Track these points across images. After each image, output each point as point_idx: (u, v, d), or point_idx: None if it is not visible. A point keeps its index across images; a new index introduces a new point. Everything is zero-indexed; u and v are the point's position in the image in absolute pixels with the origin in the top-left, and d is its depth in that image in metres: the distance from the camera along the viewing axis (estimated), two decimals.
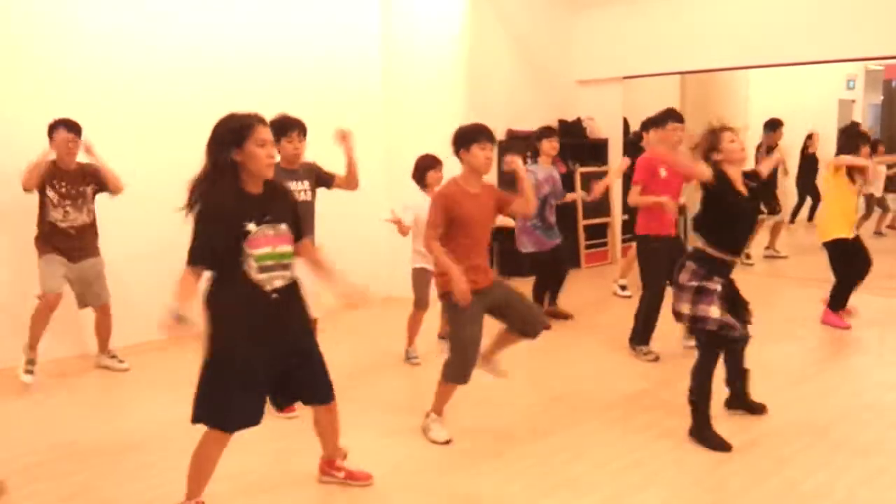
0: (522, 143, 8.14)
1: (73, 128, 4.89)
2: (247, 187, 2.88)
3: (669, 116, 5.34)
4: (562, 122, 8.93)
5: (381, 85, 7.22)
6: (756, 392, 4.28)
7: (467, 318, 3.76)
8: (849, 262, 5.90)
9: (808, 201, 10.56)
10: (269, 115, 6.13)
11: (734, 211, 3.77)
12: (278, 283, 2.91)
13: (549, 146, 6.13)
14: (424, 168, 5.20)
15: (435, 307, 5.01)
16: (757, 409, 4.24)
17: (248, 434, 3.01)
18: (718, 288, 3.73)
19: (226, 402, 2.87)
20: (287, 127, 4.17)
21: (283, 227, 2.94)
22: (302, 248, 3.10)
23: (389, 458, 3.73)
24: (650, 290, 5.24)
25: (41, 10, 5.26)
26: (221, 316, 2.87)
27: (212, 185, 2.79)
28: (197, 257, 2.82)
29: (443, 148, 5.72)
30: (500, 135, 8.24)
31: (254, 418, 2.94)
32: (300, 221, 3.07)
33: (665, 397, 4.50)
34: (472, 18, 7.31)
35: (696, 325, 3.79)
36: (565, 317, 6.40)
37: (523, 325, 3.94)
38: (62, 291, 4.92)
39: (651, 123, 5.73)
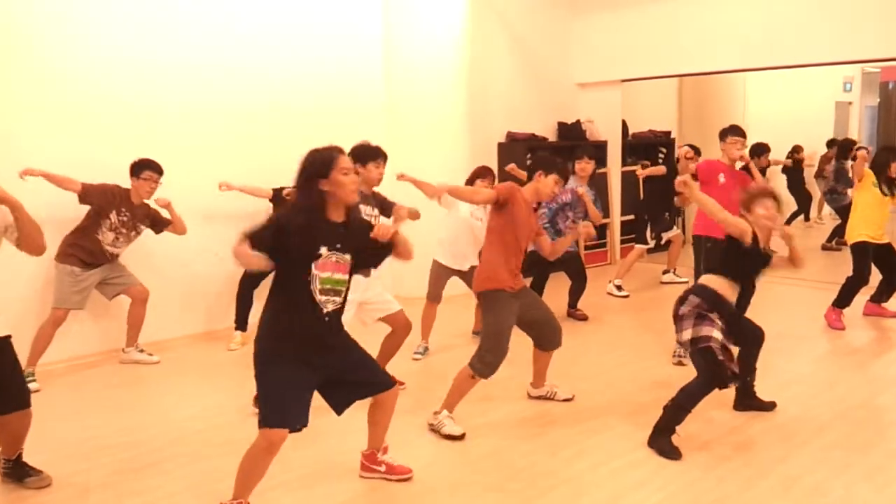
0: (522, 146, 8.22)
1: (158, 170, 5.21)
2: (330, 216, 3.05)
3: (731, 131, 5.59)
4: (561, 125, 8.99)
5: (384, 89, 7.26)
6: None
7: (505, 311, 4.03)
8: (864, 266, 6.07)
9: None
10: (272, 121, 6.36)
11: (748, 260, 3.90)
12: (331, 307, 3.07)
13: (579, 167, 6.32)
14: (476, 176, 5.51)
15: (458, 303, 5.13)
16: (767, 407, 4.32)
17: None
18: (718, 322, 3.79)
19: (280, 402, 2.99)
20: (374, 154, 4.35)
21: (347, 256, 3.08)
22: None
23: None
24: None
25: (41, 11, 5.28)
26: (278, 329, 3.04)
27: (298, 211, 2.99)
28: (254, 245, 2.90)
29: (444, 150, 5.85)
30: (500, 137, 8.31)
31: (302, 419, 3.03)
32: (369, 253, 3.18)
33: (665, 396, 4.55)
34: (473, 23, 7.36)
35: (696, 347, 3.76)
36: (582, 318, 6.55)
37: (540, 337, 4.33)
38: (70, 309, 5.04)
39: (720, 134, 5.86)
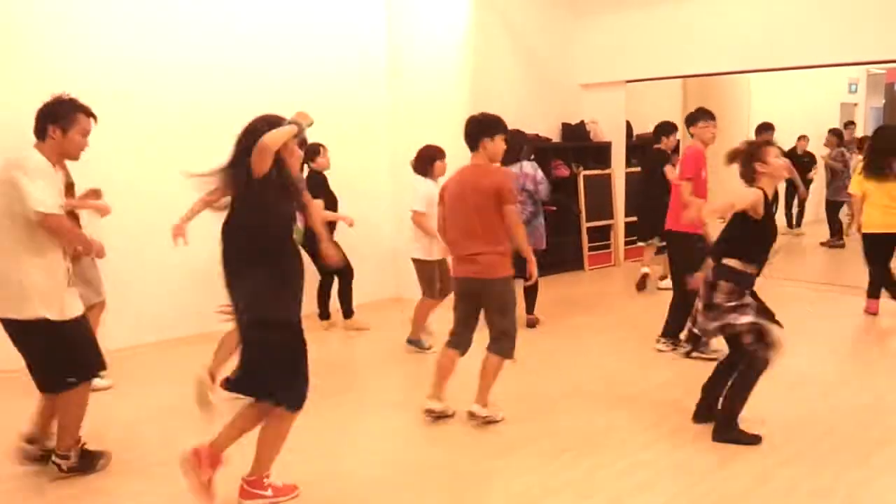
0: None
1: None
2: None
3: (701, 115, 5.61)
4: (565, 126, 8.95)
5: (387, 90, 7.25)
6: (756, 393, 4.28)
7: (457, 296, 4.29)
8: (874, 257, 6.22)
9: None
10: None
11: (767, 230, 3.82)
12: None
13: None
14: (431, 158, 5.52)
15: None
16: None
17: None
18: (751, 301, 3.83)
19: (304, 379, 3.05)
20: None
21: None
22: None
23: (392, 457, 3.77)
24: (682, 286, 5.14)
25: (41, 11, 5.26)
26: (286, 292, 3.07)
27: None
28: None
29: (446, 151, 5.82)
30: None
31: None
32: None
33: (667, 398, 4.52)
34: (476, 24, 7.33)
35: (742, 332, 3.81)
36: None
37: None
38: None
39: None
